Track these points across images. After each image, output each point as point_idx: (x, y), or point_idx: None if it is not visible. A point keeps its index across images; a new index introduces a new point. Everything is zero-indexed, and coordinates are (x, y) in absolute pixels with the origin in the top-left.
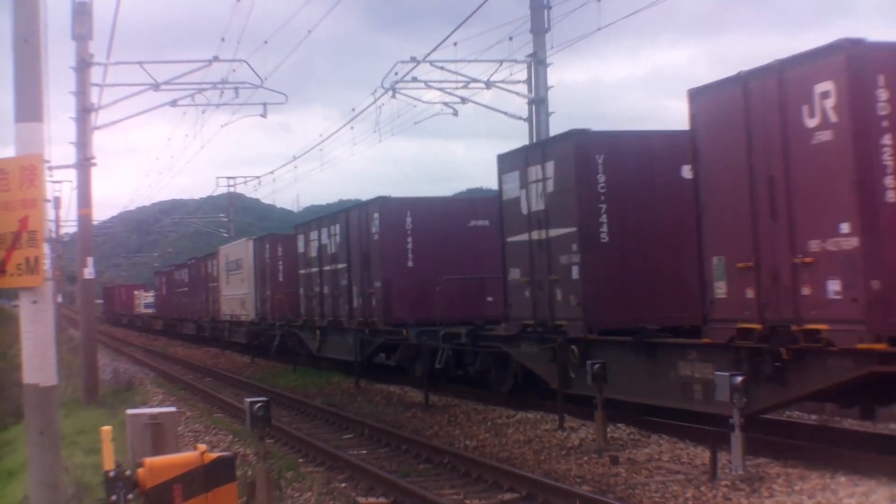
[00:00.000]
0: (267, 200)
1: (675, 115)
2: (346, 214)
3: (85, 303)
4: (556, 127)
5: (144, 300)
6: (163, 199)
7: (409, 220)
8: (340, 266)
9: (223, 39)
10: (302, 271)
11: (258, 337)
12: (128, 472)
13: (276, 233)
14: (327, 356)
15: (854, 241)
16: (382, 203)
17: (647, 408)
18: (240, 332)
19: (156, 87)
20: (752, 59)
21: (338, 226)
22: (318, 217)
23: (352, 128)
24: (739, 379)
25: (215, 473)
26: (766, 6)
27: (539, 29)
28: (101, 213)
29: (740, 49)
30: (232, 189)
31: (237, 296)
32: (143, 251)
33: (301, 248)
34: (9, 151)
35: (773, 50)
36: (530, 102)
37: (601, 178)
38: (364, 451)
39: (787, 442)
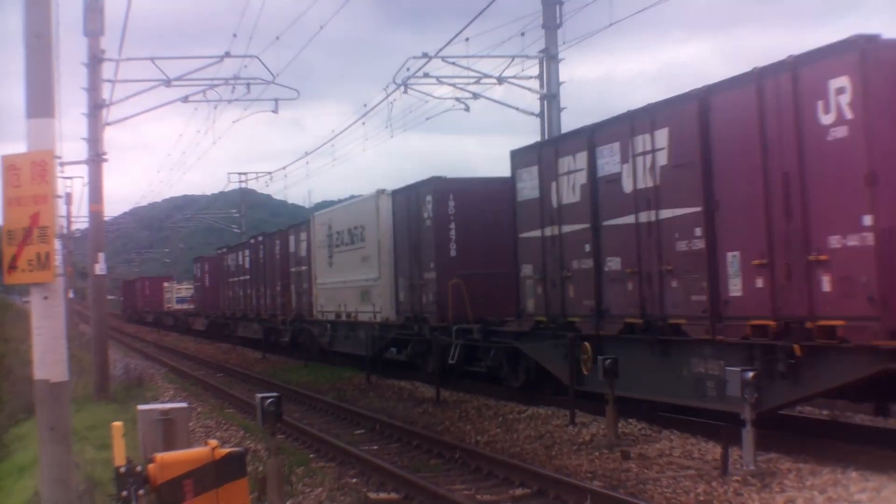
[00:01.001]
0: (279, 196)
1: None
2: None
3: (96, 298)
4: (568, 122)
5: (178, 294)
6: (174, 194)
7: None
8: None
9: (235, 35)
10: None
11: (406, 346)
12: (139, 468)
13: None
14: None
15: (869, 238)
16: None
17: (657, 404)
18: (355, 340)
19: (167, 83)
20: (763, 54)
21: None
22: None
23: (363, 123)
24: (751, 374)
25: (226, 469)
26: (777, 1)
27: (551, 24)
28: (113, 209)
29: (752, 44)
30: (244, 185)
31: (353, 283)
32: (155, 247)
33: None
34: (17, 147)
35: (784, 45)
36: (542, 98)
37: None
38: (375, 447)
39: (798, 437)
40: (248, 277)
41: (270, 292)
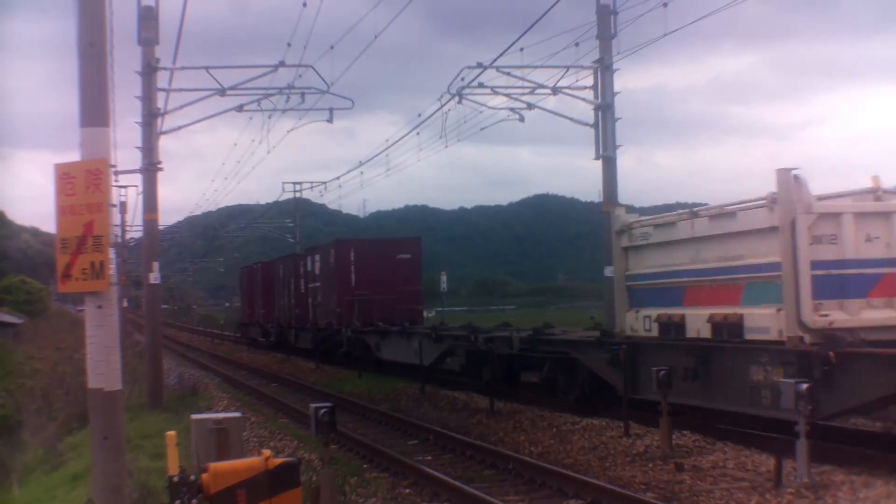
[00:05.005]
0: (333, 206)
1: (737, 122)
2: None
3: (150, 307)
4: (622, 133)
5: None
6: (229, 203)
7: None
8: None
9: (289, 45)
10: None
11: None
12: (192, 477)
13: None
14: None
15: None
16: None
17: (712, 415)
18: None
19: (222, 92)
20: (812, 65)
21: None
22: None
23: (418, 133)
24: (804, 386)
25: (280, 479)
26: (828, 12)
27: (605, 35)
28: (168, 217)
29: (802, 55)
30: (298, 194)
31: None
32: (209, 256)
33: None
34: (70, 156)
35: (835, 56)
36: (596, 108)
37: None
38: (429, 457)
39: (852, 449)
40: (310, 286)
41: (326, 301)
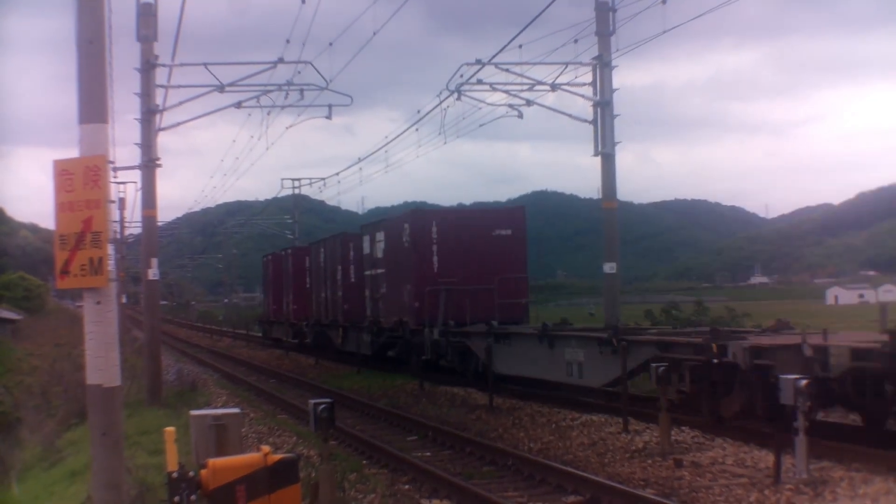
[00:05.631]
0: (332, 202)
1: (736, 119)
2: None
3: (149, 303)
4: (621, 130)
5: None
6: (228, 200)
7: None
8: None
9: (288, 41)
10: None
11: None
12: (191, 473)
13: None
14: None
15: None
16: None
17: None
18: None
19: (221, 88)
20: (813, 61)
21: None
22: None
23: (417, 130)
24: (804, 382)
25: (279, 475)
26: (828, 8)
27: (604, 31)
28: (166, 214)
29: (802, 51)
30: (297, 191)
31: None
32: (208, 252)
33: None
34: (69, 153)
35: (835, 52)
36: (595, 105)
37: None
38: (428, 453)
39: (850, 446)
40: (369, 273)
41: (394, 293)
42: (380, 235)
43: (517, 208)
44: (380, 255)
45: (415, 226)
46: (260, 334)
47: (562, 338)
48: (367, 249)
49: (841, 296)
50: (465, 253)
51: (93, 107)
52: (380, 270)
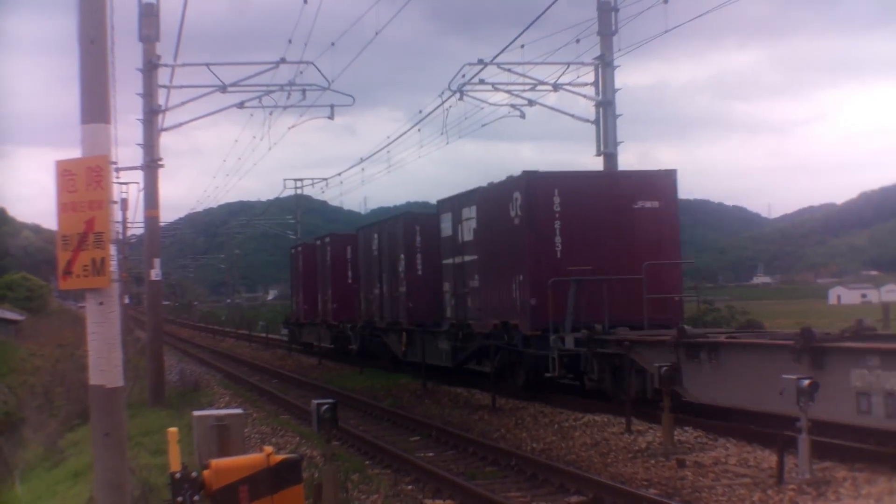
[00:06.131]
0: (334, 202)
1: (739, 118)
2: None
3: (151, 304)
4: (624, 129)
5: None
6: (230, 200)
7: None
8: None
9: (290, 41)
10: None
11: None
12: (194, 474)
13: None
14: None
15: None
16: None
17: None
18: None
19: (223, 88)
20: (815, 61)
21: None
22: None
23: (419, 130)
24: (806, 382)
25: (282, 475)
26: (830, 8)
27: (606, 31)
28: (169, 214)
29: (805, 51)
30: (299, 191)
31: None
32: (210, 253)
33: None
34: (72, 153)
35: (838, 52)
36: (597, 105)
37: None
38: (431, 454)
39: (853, 445)
40: (451, 262)
41: (492, 287)
42: (468, 212)
43: (667, 172)
44: (468, 237)
45: (529, 195)
46: (285, 338)
47: (847, 353)
48: (446, 231)
49: (843, 295)
50: (598, 232)
51: (95, 107)
52: (469, 258)
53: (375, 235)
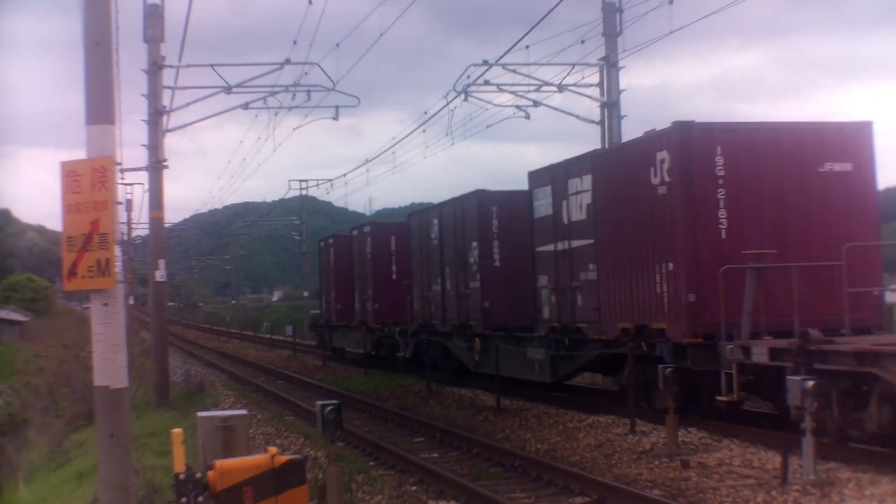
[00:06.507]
0: (339, 203)
1: (742, 119)
2: None
3: (156, 305)
4: (628, 130)
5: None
6: (235, 201)
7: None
8: None
9: (295, 42)
10: None
11: None
12: (198, 475)
13: None
14: None
15: None
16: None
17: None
18: None
19: (228, 89)
20: (818, 62)
21: None
22: None
23: (424, 131)
24: (811, 383)
25: (286, 476)
26: (833, 8)
27: (611, 32)
28: (173, 215)
29: (807, 52)
30: (304, 192)
31: None
32: (216, 254)
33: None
34: (77, 154)
35: (841, 52)
36: (602, 106)
37: None
38: (435, 455)
39: (858, 446)
40: (551, 250)
41: (621, 279)
42: (578, 183)
43: (862, 124)
44: (578, 215)
45: (683, 154)
46: (314, 343)
47: None
48: (543, 210)
49: None
50: (775, 204)
51: (100, 108)
52: (579, 242)
53: (435, 221)
